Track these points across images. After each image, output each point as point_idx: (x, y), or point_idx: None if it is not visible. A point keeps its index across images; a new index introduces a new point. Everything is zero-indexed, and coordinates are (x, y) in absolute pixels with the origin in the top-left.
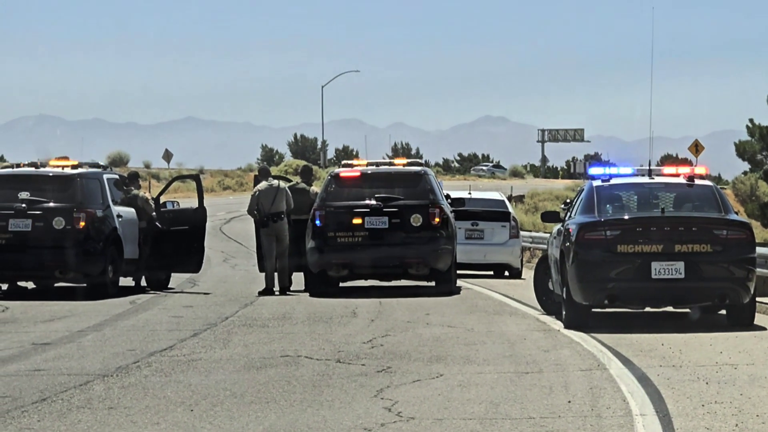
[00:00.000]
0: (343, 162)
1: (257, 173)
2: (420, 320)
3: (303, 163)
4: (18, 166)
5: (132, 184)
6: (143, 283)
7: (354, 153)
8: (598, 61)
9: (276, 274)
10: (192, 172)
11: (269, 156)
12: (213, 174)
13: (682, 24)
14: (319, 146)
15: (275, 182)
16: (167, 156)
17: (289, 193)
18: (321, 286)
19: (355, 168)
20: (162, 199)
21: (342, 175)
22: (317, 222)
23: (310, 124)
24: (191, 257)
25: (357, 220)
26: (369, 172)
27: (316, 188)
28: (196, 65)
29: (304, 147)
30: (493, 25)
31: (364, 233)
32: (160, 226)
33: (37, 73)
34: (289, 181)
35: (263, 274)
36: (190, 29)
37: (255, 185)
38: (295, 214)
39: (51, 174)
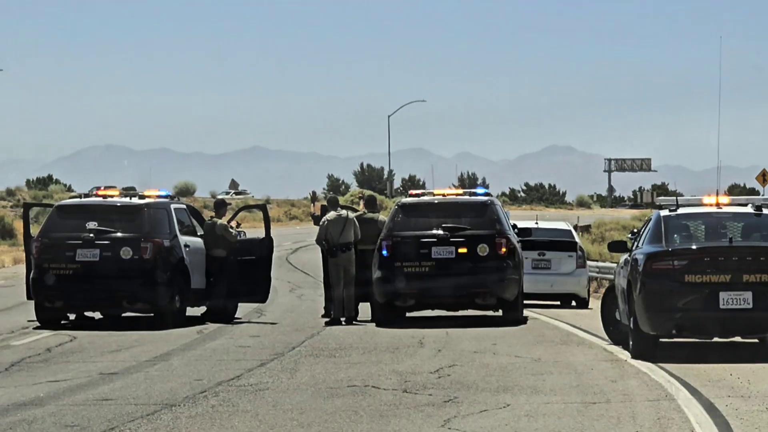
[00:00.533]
0: (411, 192)
1: (326, 203)
2: (487, 350)
3: (369, 192)
4: (87, 195)
5: (218, 212)
6: (212, 312)
7: (420, 183)
8: (666, 90)
9: (343, 303)
10: (259, 202)
11: (335, 186)
12: (279, 204)
13: (750, 52)
14: (385, 176)
15: (344, 212)
16: (234, 186)
17: (357, 223)
18: (388, 316)
19: (422, 198)
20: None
21: (409, 204)
22: (384, 252)
23: (377, 153)
24: (258, 287)
25: (424, 250)
26: (436, 201)
27: (383, 216)
28: (263, 95)
29: (370, 176)
30: (559, 54)
31: (431, 263)
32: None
33: (104, 104)
34: (356, 211)
35: (330, 304)
36: (256, 60)
37: (322, 215)
38: (362, 244)
39: (119, 204)
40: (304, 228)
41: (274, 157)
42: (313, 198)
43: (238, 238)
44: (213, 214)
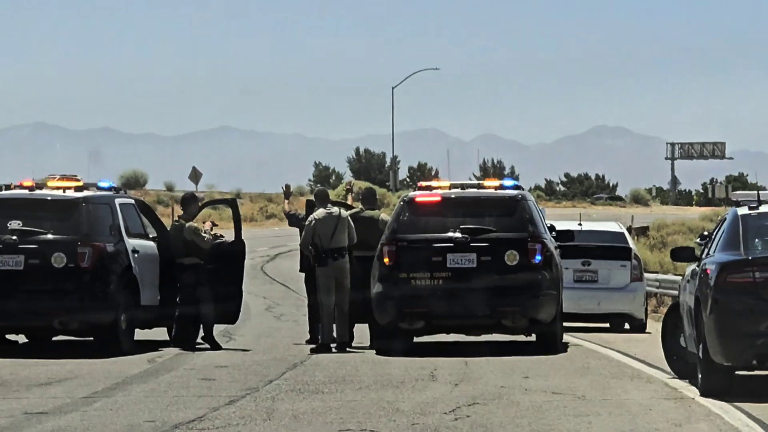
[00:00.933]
0: (420, 184)
1: (313, 198)
2: (516, 385)
3: (366, 184)
4: (8, 187)
5: (186, 211)
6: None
7: (432, 172)
8: (742, 58)
9: (334, 325)
10: (227, 196)
11: (324, 176)
12: (253, 198)
13: None
14: (387, 163)
15: (335, 209)
16: (195, 176)
17: (352, 223)
18: (391, 341)
19: (435, 191)
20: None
21: (418, 200)
22: (386, 260)
23: (377, 135)
24: (226, 304)
25: (437, 258)
26: (452, 196)
27: (385, 215)
28: (232, 62)
29: (368, 164)
30: (609, 11)
31: (445, 274)
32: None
33: (34, 76)
34: (351, 207)
35: (317, 325)
36: (220, 16)
37: (308, 213)
38: (358, 249)
39: (49, 198)
40: (284, 229)
41: (247, 140)
42: (287, 193)
43: (217, 241)
44: (181, 213)
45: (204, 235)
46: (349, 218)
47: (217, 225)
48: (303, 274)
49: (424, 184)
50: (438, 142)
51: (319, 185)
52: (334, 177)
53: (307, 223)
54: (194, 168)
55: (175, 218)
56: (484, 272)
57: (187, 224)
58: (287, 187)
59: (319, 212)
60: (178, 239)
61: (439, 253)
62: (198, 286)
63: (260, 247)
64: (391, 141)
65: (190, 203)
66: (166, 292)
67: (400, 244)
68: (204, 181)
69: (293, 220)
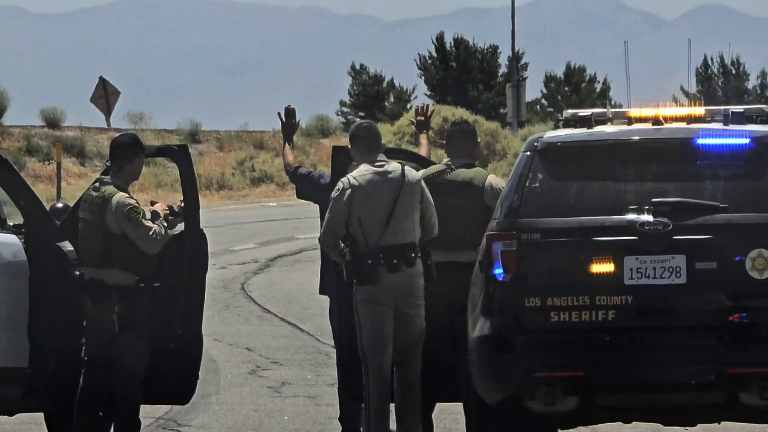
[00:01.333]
0: (566, 113)
1: (349, 140)
2: None
3: (458, 112)
4: None
5: (121, 169)
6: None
7: (597, 88)
8: None
9: (392, 407)
10: (172, 142)
11: (371, 97)
12: (227, 143)
13: None
14: (503, 68)
15: (393, 167)
16: (105, 95)
17: (429, 195)
18: None
19: (598, 129)
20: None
21: (562, 146)
22: (497, 270)
23: (479, 10)
24: (171, 367)
25: (604, 267)
26: (634, 139)
27: (496, 179)
28: None
29: (461, 69)
30: None
31: (622, 300)
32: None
33: None
34: (426, 162)
35: (355, 406)
36: None
37: (336, 173)
38: (441, 248)
39: None
40: (287, 204)
41: (215, 16)
42: (288, 128)
43: (165, 234)
44: (100, 174)
45: (148, 223)
46: (424, 185)
47: (181, 203)
48: (327, 299)
49: (572, 114)
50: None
51: (361, 115)
52: (390, 97)
53: (334, 193)
54: (102, 80)
55: (92, 185)
56: (703, 294)
57: (115, 197)
58: (289, 113)
59: (361, 172)
60: (92, 230)
61: (607, 256)
62: (125, 329)
63: (239, 242)
64: (509, 18)
65: (130, 155)
66: (46, 338)
67: (526, 239)
68: (124, 106)
69: (304, 185)
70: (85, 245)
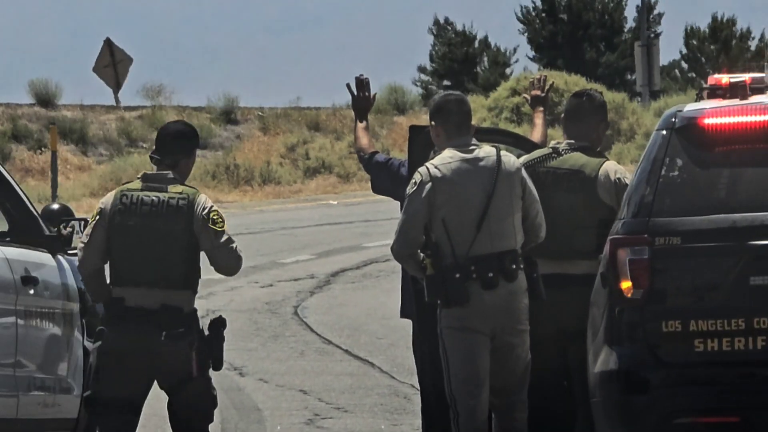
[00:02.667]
0: (712, 79)
1: (430, 118)
2: None
3: (578, 83)
4: None
5: (175, 159)
6: None
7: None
8: None
9: None
10: (200, 122)
11: (456, 60)
12: (267, 119)
13: None
14: (629, 23)
15: (488, 152)
16: (112, 66)
17: (533, 187)
18: None
19: (749, 98)
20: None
21: (709, 123)
22: (625, 285)
23: None
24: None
25: (763, 278)
26: None
27: (619, 168)
28: None
29: (587, 27)
30: None
31: None
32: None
33: None
34: (532, 147)
35: None
36: None
37: (415, 159)
38: (544, 256)
39: None
40: (353, 201)
41: None
42: (360, 102)
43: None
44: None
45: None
46: (525, 175)
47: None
48: (409, 324)
49: (716, 81)
50: None
51: (446, 85)
52: (484, 61)
53: (410, 188)
54: (109, 43)
55: (144, 183)
56: None
57: (202, 197)
58: (361, 83)
59: (444, 159)
60: (161, 241)
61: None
62: (203, 369)
63: (291, 253)
64: None
65: (189, 148)
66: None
67: (662, 245)
68: (137, 78)
69: (382, 176)
70: (144, 260)
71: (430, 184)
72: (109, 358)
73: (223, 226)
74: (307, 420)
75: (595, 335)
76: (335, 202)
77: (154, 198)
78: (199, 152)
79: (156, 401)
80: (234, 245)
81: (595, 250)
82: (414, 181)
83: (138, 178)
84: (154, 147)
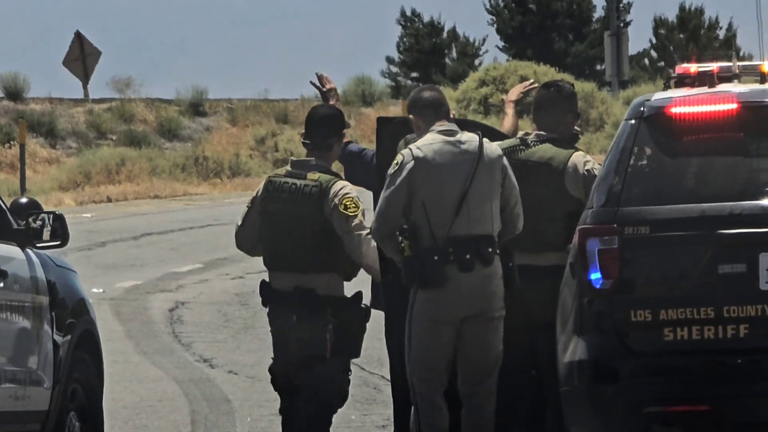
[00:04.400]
0: (680, 69)
1: (408, 108)
2: None
3: (545, 73)
4: None
5: (327, 143)
6: None
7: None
8: None
9: None
10: (169, 115)
11: (430, 54)
12: (236, 111)
13: None
14: (599, 12)
15: (468, 138)
16: (82, 59)
17: (513, 176)
18: None
19: (722, 89)
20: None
21: (676, 112)
22: (594, 275)
23: None
24: None
25: (732, 267)
26: (767, 101)
27: (587, 158)
28: None
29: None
30: None
31: (757, 309)
32: None
33: None
34: (500, 137)
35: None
36: None
37: (384, 147)
38: (514, 248)
39: None
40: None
41: None
42: (324, 87)
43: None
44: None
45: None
46: (507, 163)
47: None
48: (381, 315)
49: (682, 70)
50: None
51: (413, 77)
52: (453, 52)
53: (392, 168)
54: (78, 36)
55: (289, 169)
56: None
57: (339, 184)
58: (321, 80)
59: (427, 141)
60: (298, 225)
61: (737, 253)
62: (336, 354)
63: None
64: None
65: (338, 130)
66: None
67: (631, 234)
68: (106, 70)
69: (354, 165)
70: (281, 244)
71: (412, 164)
72: (273, 337)
73: (355, 212)
74: (277, 411)
75: (564, 325)
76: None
77: (292, 184)
78: (167, 144)
79: (116, 399)
80: (364, 232)
81: (564, 242)
82: (396, 161)
83: (287, 164)
84: (303, 132)
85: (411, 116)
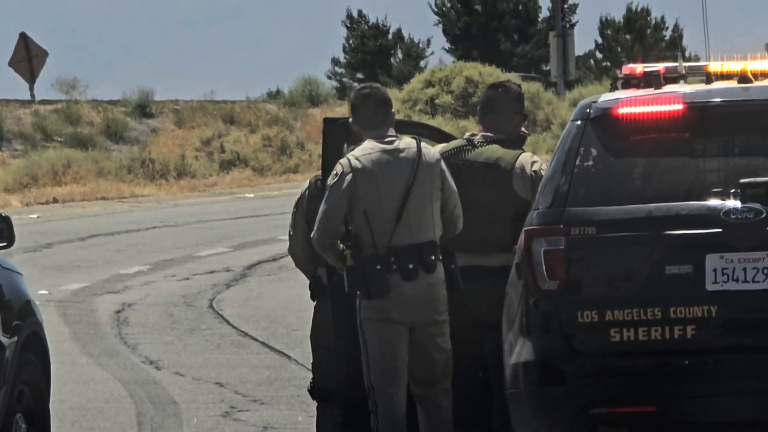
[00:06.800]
0: (627, 69)
1: (351, 108)
2: None
3: (512, 80)
4: None
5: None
6: None
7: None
8: None
9: None
10: (115, 116)
11: (372, 54)
12: (182, 113)
13: None
14: (545, 13)
15: (407, 143)
16: (27, 60)
17: (450, 178)
18: None
19: (668, 90)
20: None
21: (622, 113)
22: (543, 276)
23: None
24: None
25: (678, 268)
26: (715, 102)
27: (531, 159)
28: None
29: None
30: None
31: (703, 310)
32: None
33: None
34: (446, 137)
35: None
36: None
37: (328, 156)
38: (460, 249)
39: None
40: (269, 195)
41: None
42: None
43: None
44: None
45: None
46: (445, 167)
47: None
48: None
49: (629, 71)
50: None
51: (360, 78)
52: (398, 53)
53: (331, 179)
54: (24, 38)
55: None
56: None
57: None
58: None
59: (365, 150)
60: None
61: (684, 254)
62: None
63: (206, 246)
64: None
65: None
66: None
67: (577, 235)
68: (52, 71)
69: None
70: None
71: (350, 175)
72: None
73: None
74: (223, 413)
75: (510, 326)
76: (251, 196)
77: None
78: (114, 146)
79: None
80: None
81: (510, 243)
82: (335, 172)
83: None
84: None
85: (350, 118)
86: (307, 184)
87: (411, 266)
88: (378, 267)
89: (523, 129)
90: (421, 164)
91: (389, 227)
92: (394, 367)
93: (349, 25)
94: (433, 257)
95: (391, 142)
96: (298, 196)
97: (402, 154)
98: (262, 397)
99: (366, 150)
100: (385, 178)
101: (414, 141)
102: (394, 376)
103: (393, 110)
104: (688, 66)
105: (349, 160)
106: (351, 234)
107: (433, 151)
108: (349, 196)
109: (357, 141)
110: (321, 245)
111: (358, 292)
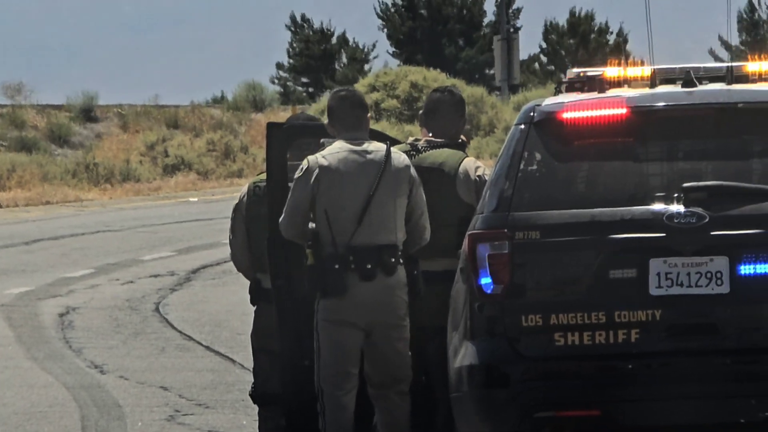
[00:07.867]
0: (570, 73)
1: (328, 115)
2: None
3: (436, 78)
4: None
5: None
6: None
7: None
8: None
9: None
10: (59, 121)
11: (318, 57)
12: (126, 117)
13: None
14: (490, 17)
15: (375, 146)
16: None
17: (421, 188)
18: None
19: (612, 93)
20: None
21: (567, 117)
22: (484, 280)
23: None
24: None
25: (623, 272)
26: (659, 106)
27: (477, 164)
28: None
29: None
30: None
31: (647, 314)
32: None
33: None
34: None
35: None
36: None
37: (272, 161)
38: (427, 254)
39: None
40: (213, 199)
41: None
42: None
43: None
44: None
45: None
46: (415, 174)
47: None
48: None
49: (577, 74)
50: None
51: (303, 81)
52: (343, 57)
53: (298, 173)
54: None
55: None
56: (752, 306)
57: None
58: None
59: (333, 149)
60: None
61: (627, 259)
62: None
63: (151, 249)
64: None
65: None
66: None
67: (521, 239)
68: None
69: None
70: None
71: (317, 171)
72: None
73: None
74: (168, 416)
75: (455, 330)
76: (195, 199)
77: None
78: (59, 151)
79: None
80: None
81: (455, 248)
82: (302, 167)
83: None
84: None
85: (326, 122)
86: (245, 189)
87: (369, 266)
88: (336, 266)
89: (462, 137)
90: (388, 168)
91: (350, 227)
92: (344, 371)
93: (293, 29)
94: (393, 260)
95: (360, 144)
96: (237, 201)
97: (369, 156)
98: (206, 401)
99: (334, 149)
100: (350, 178)
101: (384, 146)
102: (343, 379)
103: (368, 115)
104: (652, 69)
105: (316, 158)
106: (311, 232)
107: (403, 157)
108: (312, 192)
109: (301, 146)
110: (288, 234)
111: (319, 293)
